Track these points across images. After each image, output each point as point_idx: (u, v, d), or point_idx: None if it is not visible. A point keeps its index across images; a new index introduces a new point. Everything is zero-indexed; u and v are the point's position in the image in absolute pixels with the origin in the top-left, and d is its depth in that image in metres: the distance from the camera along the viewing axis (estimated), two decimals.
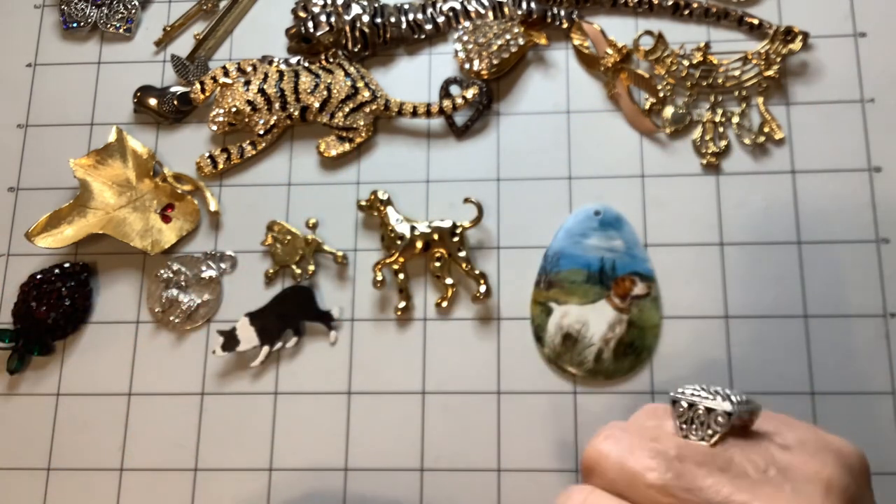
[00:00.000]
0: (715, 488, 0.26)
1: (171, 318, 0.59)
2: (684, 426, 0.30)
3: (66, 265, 0.60)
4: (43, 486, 0.57)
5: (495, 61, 0.61)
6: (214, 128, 0.62)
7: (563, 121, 0.62)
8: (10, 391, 0.59)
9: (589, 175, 0.60)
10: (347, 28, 0.63)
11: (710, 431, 0.29)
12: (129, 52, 0.67)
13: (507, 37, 0.61)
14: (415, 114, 0.61)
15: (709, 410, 0.29)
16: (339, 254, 0.59)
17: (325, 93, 0.61)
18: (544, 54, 0.63)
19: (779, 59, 0.60)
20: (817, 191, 0.58)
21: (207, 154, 0.62)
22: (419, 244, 0.57)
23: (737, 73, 0.61)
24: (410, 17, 0.64)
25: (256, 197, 0.62)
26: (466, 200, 0.58)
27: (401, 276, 0.58)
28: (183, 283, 0.60)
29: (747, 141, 0.59)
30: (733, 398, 0.29)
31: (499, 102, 0.63)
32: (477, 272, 0.57)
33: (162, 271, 0.60)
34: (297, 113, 0.61)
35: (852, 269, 0.56)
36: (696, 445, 0.29)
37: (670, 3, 0.63)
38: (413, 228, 0.58)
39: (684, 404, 0.30)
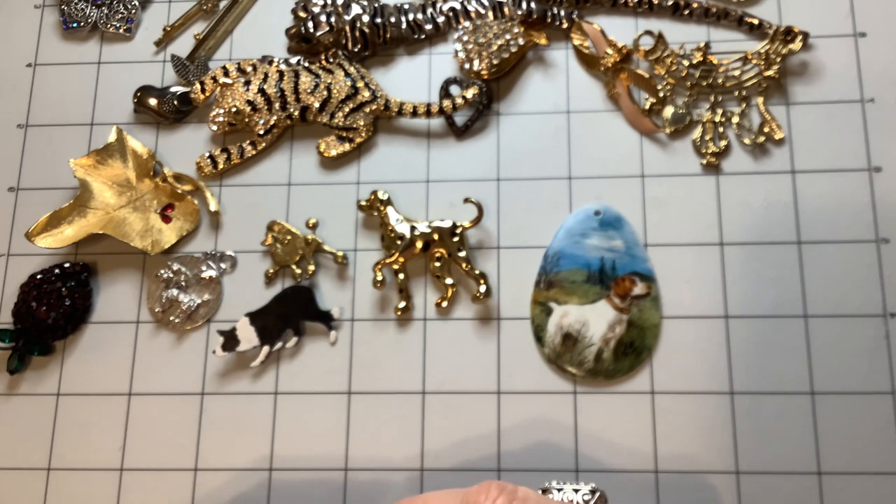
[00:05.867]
0: None
1: (171, 318, 0.59)
2: None
3: (66, 265, 0.60)
4: (43, 486, 0.57)
5: (495, 61, 0.61)
6: (214, 128, 0.62)
7: (563, 121, 0.62)
8: (10, 391, 0.59)
9: (589, 175, 0.60)
10: (347, 28, 0.63)
11: None
12: (129, 52, 0.67)
13: (507, 37, 0.61)
14: (415, 114, 0.61)
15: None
16: (339, 254, 0.59)
17: (325, 93, 0.61)
18: (544, 54, 0.63)
19: (779, 59, 0.60)
20: (817, 191, 0.58)
21: (207, 154, 0.62)
22: (419, 244, 0.57)
23: (737, 73, 0.60)
24: (410, 17, 0.64)
25: (256, 197, 0.62)
26: (466, 200, 0.58)
27: (401, 276, 0.58)
28: (183, 283, 0.60)
29: (747, 141, 0.59)
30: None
31: (499, 102, 0.63)
32: (477, 272, 0.57)
33: (162, 271, 0.60)
34: (297, 113, 0.61)
35: (852, 269, 0.56)
36: None
37: (670, 3, 0.63)
38: (413, 228, 0.58)
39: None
